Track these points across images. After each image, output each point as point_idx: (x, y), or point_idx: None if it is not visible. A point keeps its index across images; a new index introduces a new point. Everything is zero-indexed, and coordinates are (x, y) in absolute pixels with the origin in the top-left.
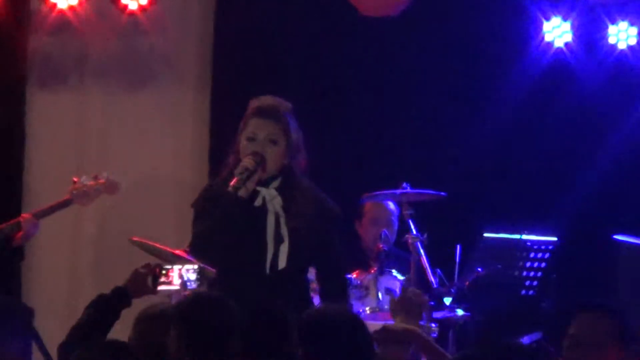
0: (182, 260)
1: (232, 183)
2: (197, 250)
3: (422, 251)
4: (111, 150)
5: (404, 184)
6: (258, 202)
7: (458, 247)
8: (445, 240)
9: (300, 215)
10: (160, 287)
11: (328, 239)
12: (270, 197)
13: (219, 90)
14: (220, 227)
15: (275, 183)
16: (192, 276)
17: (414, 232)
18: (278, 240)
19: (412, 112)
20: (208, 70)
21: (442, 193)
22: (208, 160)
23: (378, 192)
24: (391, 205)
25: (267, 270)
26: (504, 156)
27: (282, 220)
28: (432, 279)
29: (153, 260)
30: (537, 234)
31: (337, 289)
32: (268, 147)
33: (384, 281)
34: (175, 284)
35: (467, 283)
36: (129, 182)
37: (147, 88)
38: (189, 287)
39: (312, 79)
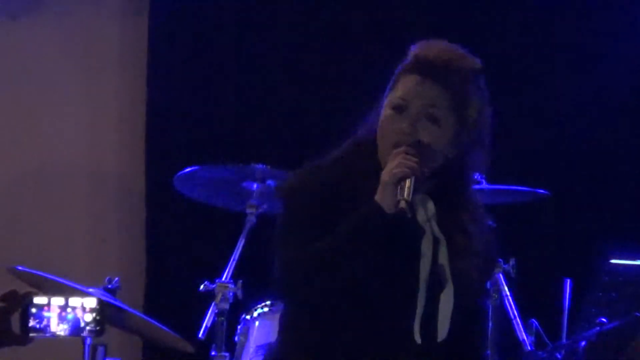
0: (71, 292)
1: (404, 195)
2: (299, 285)
3: (505, 289)
4: None
5: (476, 176)
6: (408, 212)
7: (567, 282)
8: (545, 270)
9: (469, 245)
10: (33, 334)
11: (485, 294)
12: (426, 211)
13: (161, 19)
14: (356, 256)
15: (428, 183)
16: (88, 317)
17: None
18: (435, 284)
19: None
20: None
21: (542, 191)
22: (145, 136)
23: None
24: None
25: (418, 339)
26: (636, 137)
27: (443, 252)
28: (523, 335)
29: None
30: None
31: None
32: (422, 126)
33: None
34: (56, 330)
35: (583, 343)
36: (11, 173)
37: (46, 14)
38: (82, 334)
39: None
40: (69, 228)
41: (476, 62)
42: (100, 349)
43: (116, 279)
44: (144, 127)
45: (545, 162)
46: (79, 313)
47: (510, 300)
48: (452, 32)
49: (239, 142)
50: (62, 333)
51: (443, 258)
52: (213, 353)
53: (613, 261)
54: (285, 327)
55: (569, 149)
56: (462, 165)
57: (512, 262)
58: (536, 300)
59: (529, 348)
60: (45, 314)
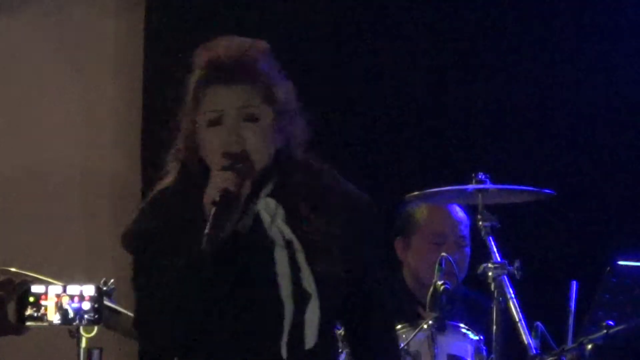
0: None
1: (207, 231)
2: (153, 331)
3: (510, 291)
4: None
5: (480, 175)
6: (244, 227)
7: (573, 284)
8: (550, 272)
9: (327, 236)
10: (30, 323)
11: (369, 265)
12: (271, 215)
13: (157, 16)
14: (192, 295)
15: (269, 186)
16: (86, 305)
17: (497, 258)
18: (300, 296)
19: (483, 71)
20: None
21: (548, 191)
22: (141, 137)
23: (434, 190)
24: (459, 212)
25: (284, 354)
26: None
27: (300, 257)
28: (528, 339)
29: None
30: None
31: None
32: (245, 129)
33: (446, 343)
34: (52, 319)
35: (589, 346)
36: (5, 173)
37: (39, 10)
38: (76, 323)
39: None
40: (64, 229)
41: (262, 43)
42: (95, 353)
43: (112, 280)
44: (140, 128)
45: (551, 161)
46: (77, 301)
47: (515, 302)
48: (456, 30)
49: None
50: (58, 322)
51: (302, 263)
52: None
53: (621, 263)
54: None
55: (575, 148)
56: (291, 150)
57: (517, 263)
58: (542, 303)
59: (535, 352)
60: (43, 302)
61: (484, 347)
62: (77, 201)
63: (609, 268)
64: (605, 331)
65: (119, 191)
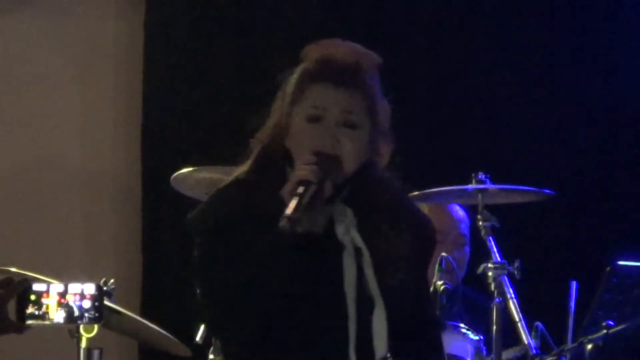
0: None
1: (287, 211)
2: (218, 322)
3: (510, 291)
4: None
5: (481, 175)
6: (318, 227)
7: (573, 284)
8: (550, 271)
9: (395, 249)
10: (31, 322)
11: (426, 281)
12: (343, 221)
13: (157, 16)
14: (266, 287)
15: (345, 192)
16: (87, 303)
17: (498, 258)
18: (364, 303)
19: (479, 70)
20: None
21: (548, 191)
22: (141, 136)
23: (434, 190)
24: (459, 211)
25: None
26: None
27: (368, 265)
28: (528, 339)
29: None
30: None
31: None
32: (343, 134)
33: (446, 343)
34: (54, 319)
35: (589, 346)
36: (5, 174)
37: (40, 10)
38: (80, 322)
39: None
40: (64, 229)
41: (376, 56)
42: (95, 353)
43: (112, 280)
44: (140, 127)
45: (551, 161)
46: (78, 300)
47: (515, 302)
48: (456, 29)
49: (235, 143)
50: (60, 320)
51: (368, 272)
52: (210, 357)
53: (620, 262)
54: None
55: (575, 148)
56: (374, 164)
57: (517, 263)
58: (542, 303)
59: (535, 352)
60: (44, 300)
61: (484, 347)
62: (77, 201)
63: (609, 268)
64: (605, 331)
65: (119, 191)
